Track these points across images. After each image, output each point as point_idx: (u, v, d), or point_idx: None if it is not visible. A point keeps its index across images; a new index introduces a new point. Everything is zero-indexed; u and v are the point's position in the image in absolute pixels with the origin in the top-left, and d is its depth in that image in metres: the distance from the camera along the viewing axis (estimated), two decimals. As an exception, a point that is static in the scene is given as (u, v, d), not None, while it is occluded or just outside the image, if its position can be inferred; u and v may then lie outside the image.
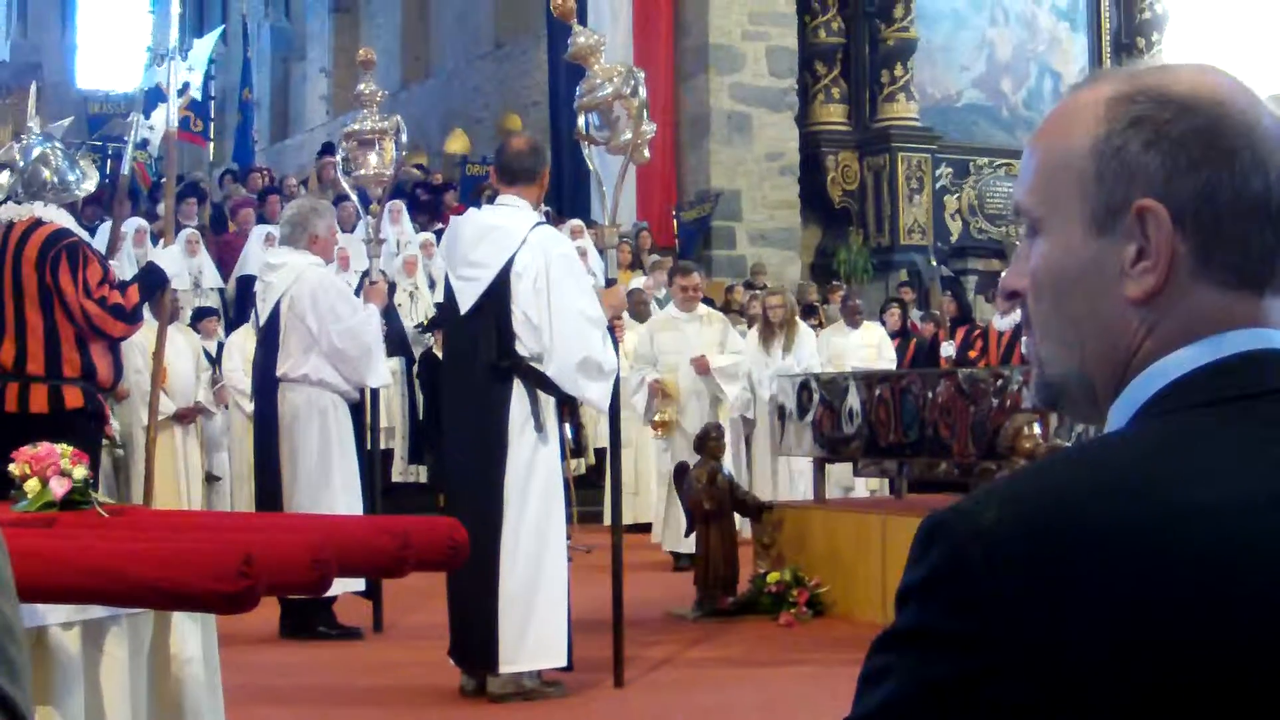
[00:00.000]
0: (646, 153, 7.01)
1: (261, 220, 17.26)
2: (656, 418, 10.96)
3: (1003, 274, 2.44)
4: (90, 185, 7.27)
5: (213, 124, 23.59)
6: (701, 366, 11.04)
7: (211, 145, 25.13)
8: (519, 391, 6.45)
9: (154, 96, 8.65)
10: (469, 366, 6.57)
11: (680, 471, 9.31)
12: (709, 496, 8.87)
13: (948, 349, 14.76)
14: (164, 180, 8.91)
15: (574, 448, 13.63)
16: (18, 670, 1.16)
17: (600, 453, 14.26)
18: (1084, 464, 1.31)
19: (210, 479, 12.70)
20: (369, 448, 8.65)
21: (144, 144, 8.41)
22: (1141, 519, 1.21)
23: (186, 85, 8.67)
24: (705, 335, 11.22)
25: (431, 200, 20.29)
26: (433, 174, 22.88)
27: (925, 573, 1.26)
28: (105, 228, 14.16)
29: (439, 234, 15.06)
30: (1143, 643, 1.18)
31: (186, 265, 15.60)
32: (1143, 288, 1.35)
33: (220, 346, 12.99)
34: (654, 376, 11.03)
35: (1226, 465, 1.25)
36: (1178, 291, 1.35)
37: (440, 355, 10.37)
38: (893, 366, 14.06)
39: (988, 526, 1.24)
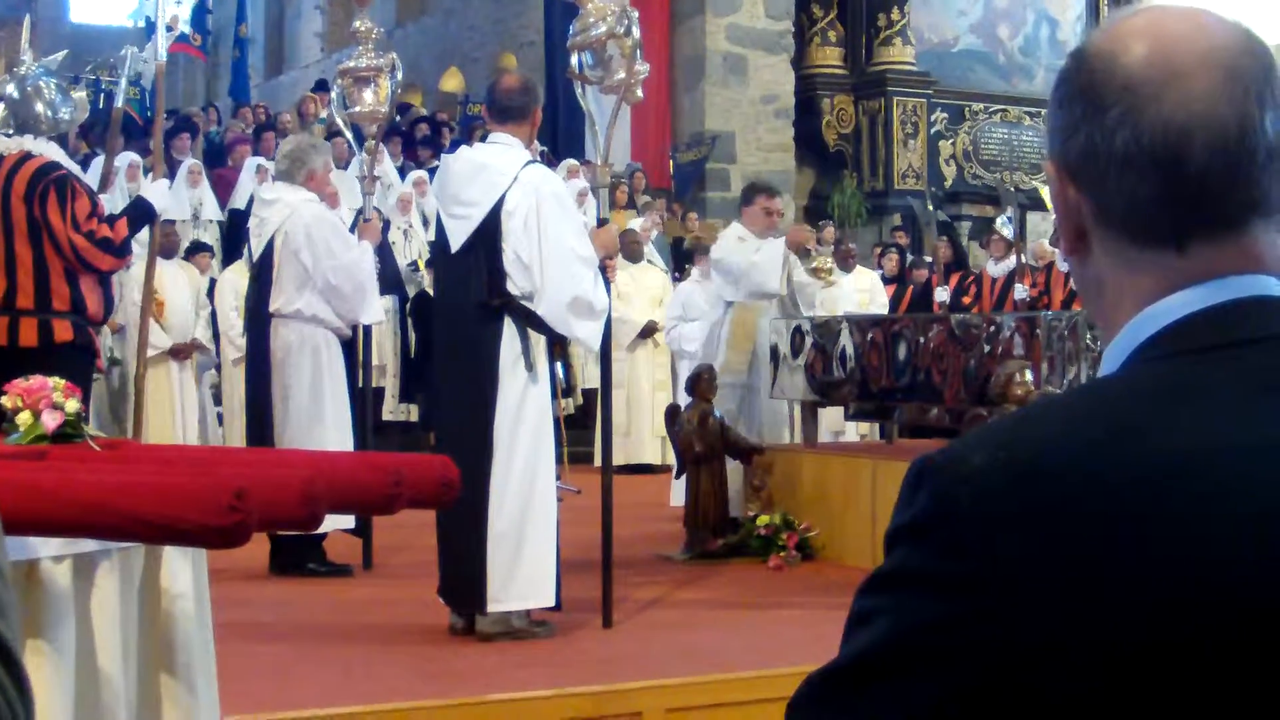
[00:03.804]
0: (639, 92, 6.99)
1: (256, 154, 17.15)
2: (816, 264, 9.79)
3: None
4: (82, 116, 7.24)
5: (209, 36, 23.22)
6: None
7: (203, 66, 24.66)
8: (510, 330, 6.43)
9: (150, 31, 8.59)
10: (460, 305, 6.55)
11: (671, 413, 9.31)
12: (700, 439, 8.87)
13: (942, 294, 14.77)
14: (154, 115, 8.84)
15: (564, 387, 13.57)
16: (6, 607, 1.17)
17: (590, 393, 14.23)
18: (1072, 409, 1.32)
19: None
20: (361, 385, 8.65)
21: (138, 79, 8.35)
22: (1128, 465, 1.21)
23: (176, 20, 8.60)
24: None
25: (431, 136, 20.20)
26: (439, 113, 22.75)
27: (913, 515, 1.27)
28: (97, 162, 14.11)
29: (433, 172, 15.01)
30: (1127, 588, 1.18)
31: (188, 197, 15.58)
32: (1064, 243, 1.40)
33: (213, 283, 12.93)
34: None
35: (1215, 412, 1.24)
36: (1095, 247, 1.37)
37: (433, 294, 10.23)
38: (885, 311, 14.07)
39: (975, 470, 1.24)
